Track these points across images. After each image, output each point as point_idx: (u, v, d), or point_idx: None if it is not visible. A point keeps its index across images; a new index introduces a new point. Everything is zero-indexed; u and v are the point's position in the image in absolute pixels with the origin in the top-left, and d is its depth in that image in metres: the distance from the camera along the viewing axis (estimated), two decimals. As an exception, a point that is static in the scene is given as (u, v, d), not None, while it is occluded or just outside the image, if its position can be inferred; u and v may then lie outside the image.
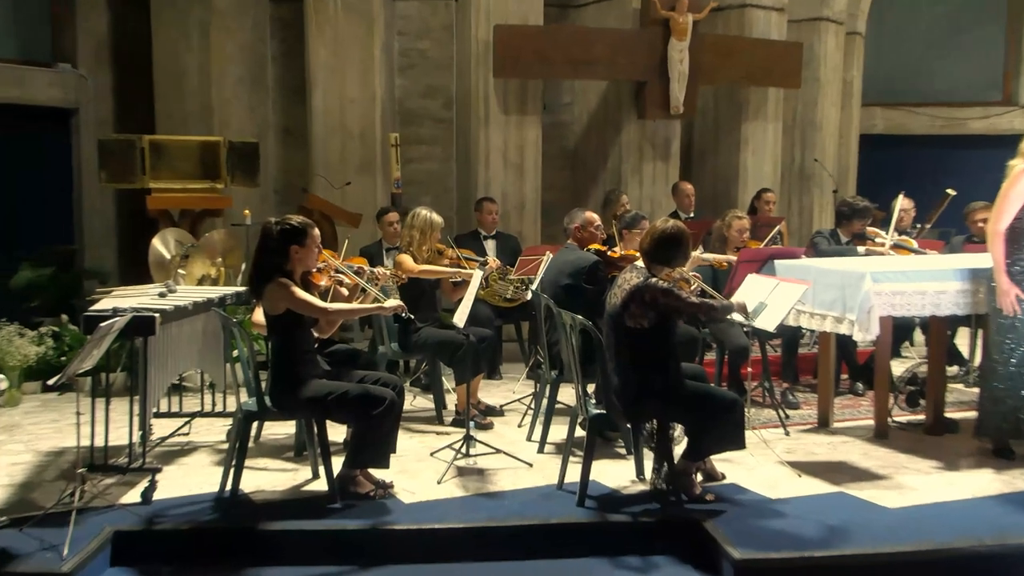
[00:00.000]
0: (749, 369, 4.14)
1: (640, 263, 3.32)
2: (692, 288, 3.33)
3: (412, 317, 3.49)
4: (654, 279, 3.20)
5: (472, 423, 4.06)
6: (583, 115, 7.29)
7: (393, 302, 3.42)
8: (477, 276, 4.02)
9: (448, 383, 4.88)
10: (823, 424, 4.36)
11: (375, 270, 3.86)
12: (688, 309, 3.17)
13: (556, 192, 7.13)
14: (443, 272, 4.45)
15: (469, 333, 4.08)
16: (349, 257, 4.33)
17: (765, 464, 3.73)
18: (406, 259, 4.42)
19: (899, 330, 4.93)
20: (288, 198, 6.73)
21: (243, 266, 5.09)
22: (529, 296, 4.46)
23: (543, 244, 5.77)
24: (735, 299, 3.45)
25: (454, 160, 7.02)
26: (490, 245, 5.76)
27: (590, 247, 4.26)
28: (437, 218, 4.52)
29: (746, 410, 3.70)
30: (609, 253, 4.27)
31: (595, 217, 4.32)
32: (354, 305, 3.55)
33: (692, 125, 7.46)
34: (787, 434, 4.19)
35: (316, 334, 3.51)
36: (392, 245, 5.39)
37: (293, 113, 6.71)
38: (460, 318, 3.76)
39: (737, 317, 3.47)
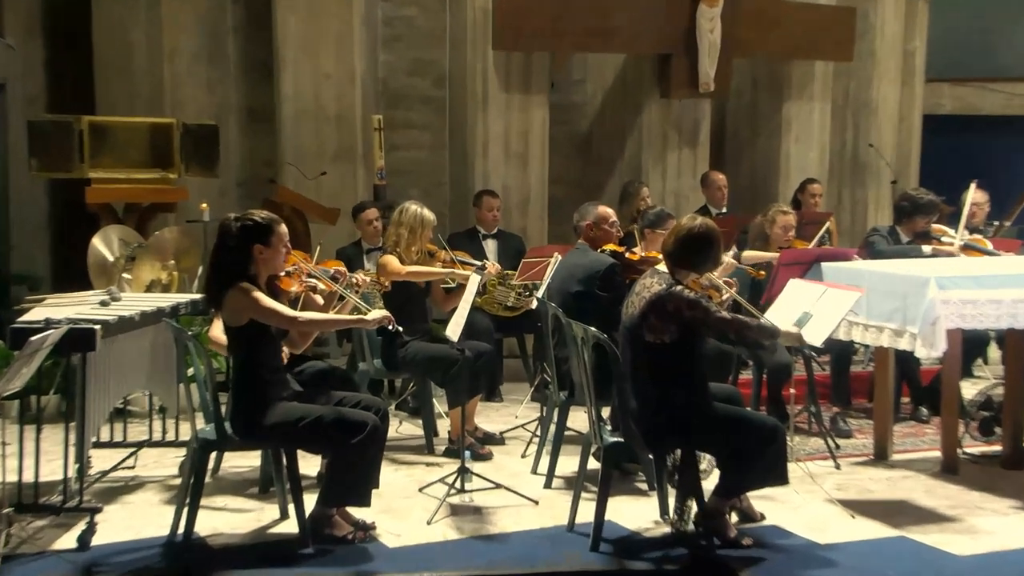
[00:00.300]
0: (792, 390, 4.11)
1: (663, 267, 3.31)
2: (723, 298, 3.33)
3: (400, 330, 3.47)
4: (679, 287, 3.18)
5: (468, 453, 4.04)
6: (597, 95, 7.26)
7: (377, 313, 3.40)
8: (474, 281, 4.02)
9: (440, 406, 4.85)
10: (880, 456, 4.31)
11: (355, 275, 3.85)
12: (717, 325, 3.14)
13: (566, 185, 7.09)
14: (434, 274, 4.50)
15: (464, 348, 4.09)
16: (324, 260, 4.31)
17: (812, 502, 3.70)
18: (391, 260, 4.45)
19: (970, 345, 4.84)
20: (253, 191, 6.70)
21: (199, 270, 5.09)
22: (534, 305, 4.48)
23: (550, 244, 5.77)
24: (778, 317, 3.41)
25: (447, 147, 6.98)
26: (490, 246, 5.79)
27: (604, 248, 4.27)
28: (428, 215, 4.54)
29: (789, 439, 3.66)
30: (627, 255, 4.28)
31: (610, 212, 4.32)
32: (331, 315, 3.55)
33: (725, 106, 7.38)
34: (838, 467, 4.16)
35: (286, 349, 3.51)
36: (373, 246, 5.47)
37: (259, 93, 6.69)
38: (454, 330, 3.77)
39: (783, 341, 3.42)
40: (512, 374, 5.81)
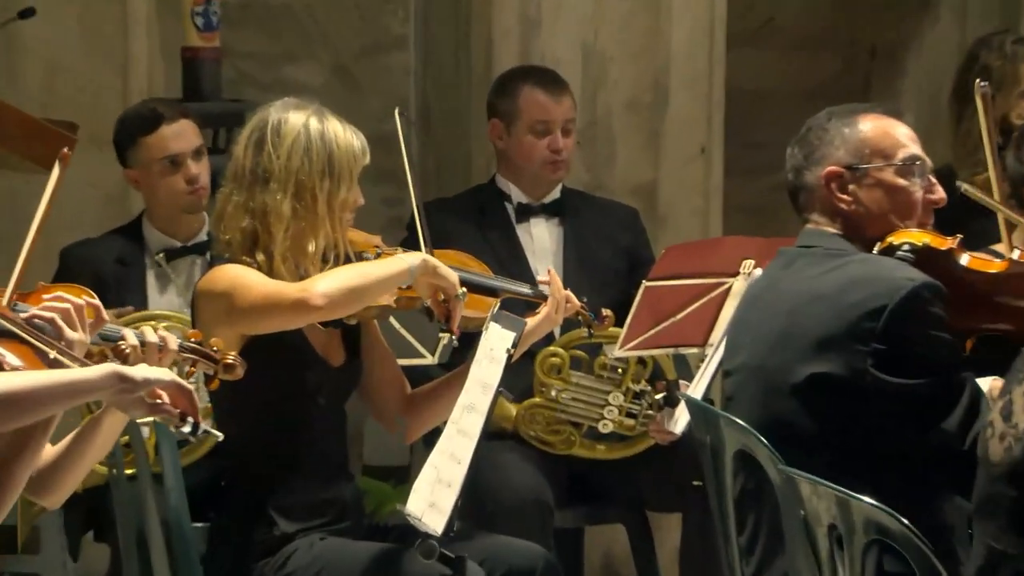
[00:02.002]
0: None
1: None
2: None
3: (218, 436, 3.62)
4: None
5: None
6: None
7: (108, 369, 3.46)
8: (494, 345, 4.14)
9: None
10: None
11: (120, 323, 4.15)
12: None
13: (784, 62, 7.58)
14: (381, 283, 4.60)
15: (464, 556, 4.19)
16: (35, 290, 4.17)
17: None
18: (247, 281, 4.51)
19: None
20: None
21: None
22: (679, 428, 4.91)
23: (732, 235, 6.06)
24: None
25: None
26: (542, 238, 5.94)
27: (891, 240, 4.27)
28: (345, 138, 4.64)
29: None
30: (968, 260, 4.28)
31: (899, 133, 4.30)
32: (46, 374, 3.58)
33: None
34: None
35: None
36: (183, 241, 5.76)
37: None
38: (426, 502, 4.02)
39: None
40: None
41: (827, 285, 4.11)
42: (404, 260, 4.60)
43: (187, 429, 3.45)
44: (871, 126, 4.28)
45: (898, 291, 3.96)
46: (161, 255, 5.69)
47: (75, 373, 3.60)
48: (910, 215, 4.24)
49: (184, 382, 3.51)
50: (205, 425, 3.51)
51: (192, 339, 4.09)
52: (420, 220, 4.83)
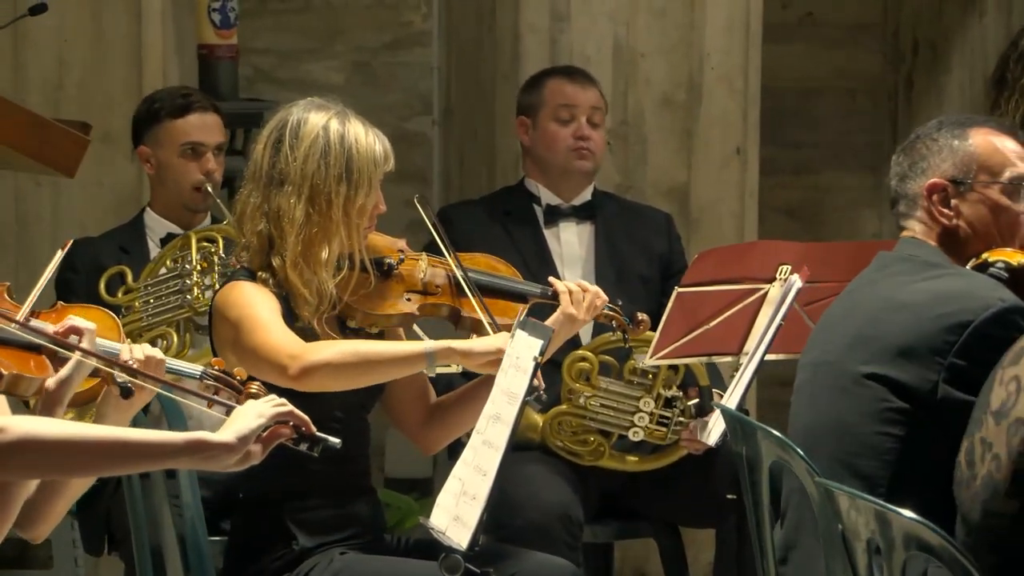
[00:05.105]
0: None
1: None
2: None
3: (336, 442, 3.65)
4: None
5: None
6: None
7: (228, 434, 3.49)
8: (522, 351, 4.17)
9: None
10: None
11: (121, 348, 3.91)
12: None
13: (823, 57, 7.76)
14: (397, 360, 4.67)
15: (490, 572, 4.21)
16: (64, 308, 4.21)
17: None
18: (254, 317, 4.60)
19: None
20: None
21: None
22: (713, 438, 4.99)
23: (769, 238, 6.04)
24: None
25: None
26: (571, 241, 5.93)
27: (985, 257, 4.32)
28: (367, 145, 4.68)
29: None
30: None
31: (1007, 153, 4.36)
32: (67, 425, 3.52)
33: None
34: None
35: None
36: (188, 228, 5.78)
37: None
38: (450, 514, 4.07)
39: None
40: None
41: (917, 294, 4.22)
42: (421, 345, 4.68)
43: (304, 447, 3.60)
44: (981, 140, 4.39)
45: (986, 309, 4.07)
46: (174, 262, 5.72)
47: (157, 435, 3.65)
48: (1011, 236, 4.34)
49: (280, 408, 3.61)
50: (324, 438, 3.61)
51: (216, 367, 4.18)
52: (443, 244, 4.83)
